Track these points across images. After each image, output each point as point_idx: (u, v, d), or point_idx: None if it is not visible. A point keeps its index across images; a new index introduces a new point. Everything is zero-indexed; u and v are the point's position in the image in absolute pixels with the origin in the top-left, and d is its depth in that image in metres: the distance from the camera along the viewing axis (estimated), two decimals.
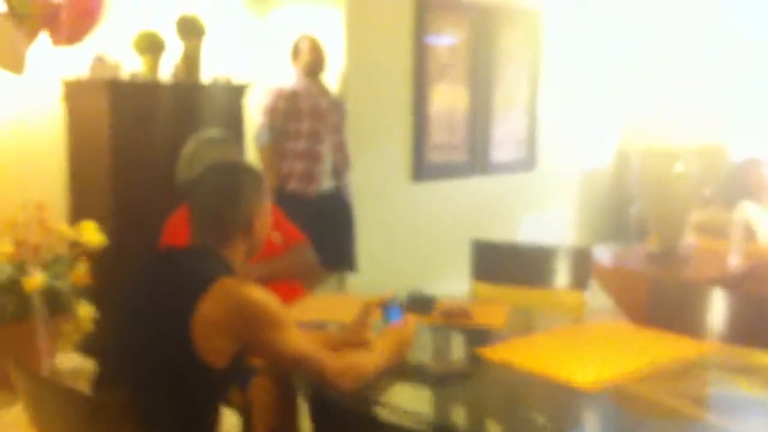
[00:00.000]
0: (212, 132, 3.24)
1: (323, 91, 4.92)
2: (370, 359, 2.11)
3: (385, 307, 2.31)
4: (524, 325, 2.79)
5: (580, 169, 7.42)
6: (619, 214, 7.65)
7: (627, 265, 4.05)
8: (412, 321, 2.32)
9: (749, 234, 4.51)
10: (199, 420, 1.91)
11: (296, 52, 4.90)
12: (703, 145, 6.40)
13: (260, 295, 1.89)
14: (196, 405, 1.88)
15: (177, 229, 2.86)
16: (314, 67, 4.87)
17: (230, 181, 2.06)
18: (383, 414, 1.98)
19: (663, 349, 2.37)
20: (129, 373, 1.88)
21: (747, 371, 2.35)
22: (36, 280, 3.45)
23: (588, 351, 2.38)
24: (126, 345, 1.93)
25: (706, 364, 2.36)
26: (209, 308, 1.81)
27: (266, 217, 2.07)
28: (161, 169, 3.89)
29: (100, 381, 1.96)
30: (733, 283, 3.63)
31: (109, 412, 1.69)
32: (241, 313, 1.85)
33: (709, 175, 5.07)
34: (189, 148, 3.14)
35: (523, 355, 2.31)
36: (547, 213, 6.90)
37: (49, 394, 1.81)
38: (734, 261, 3.94)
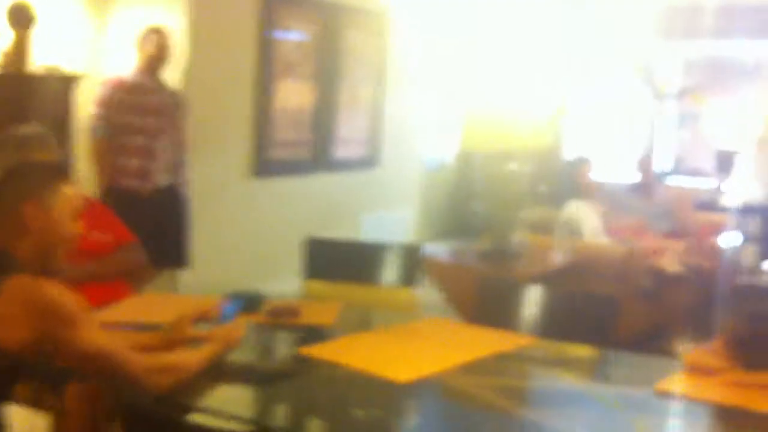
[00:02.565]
0: (16, 130, 3.04)
1: (162, 86, 4.78)
2: (188, 358, 2.07)
3: (222, 304, 2.28)
4: (355, 323, 2.80)
5: (423, 167, 7.56)
6: (460, 212, 7.86)
7: (460, 262, 4.17)
8: (242, 320, 2.29)
9: (575, 231, 4.74)
10: None
11: (142, 44, 4.72)
12: (540, 145, 6.70)
13: (54, 291, 1.84)
14: None
15: None
16: (158, 62, 4.72)
17: (24, 178, 2.00)
18: (201, 418, 1.94)
19: (483, 343, 2.44)
20: None
21: (562, 364, 2.46)
22: None
23: (412, 348, 2.42)
24: None
25: (525, 358, 2.45)
26: (2, 306, 1.78)
27: (59, 215, 1.98)
28: None
29: None
30: (556, 279, 3.81)
31: None
32: (31, 309, 1.80)
33: (544, 175, 5.30)
34: None
35: (347, 353, 2.32)
36: (390, 211, 6.99)
37: None
38: (558, 257, 4.13)
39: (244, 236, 5.58)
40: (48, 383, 2.55)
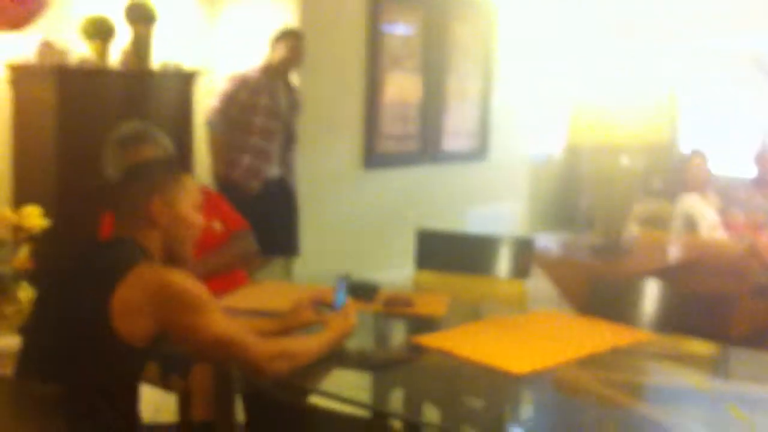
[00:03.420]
0: (127, 127, 3.13)
1: (287, 89, 4.86)
2: (307, 344, 2.13)
3: (335, 287, 2.33)
4: (465, 314, 2.82)
5: (530, 160, 7.50)
6: (567, 205, 7.76)
7: (571, 255, 4.12)
8: (355, 308, 2.34)
9: (691, 226, 4.62)
10: (119, 400, 1.95)
11: (275, 45, 4.77)
12: (652, 139, 6.54)
13: (178, 278, 1.92)
14: (113, 385, 1.92)
15: (109, 226, 2.84)
16: (289, 64, 4.79)
17: (149, 174, 2.09)
18: (319, 402, 2.00)
19: (599, 337, 2.41)
20: (50, 357, 1.92)
21: (680, 360, 2.41)
22: None
23: (526, 339, 2.42)
24: (47, 332, 1.95)
25: (642, 353, 2.41)
26: (127, 292, 1.85)
27: (182, 207, 2.07)
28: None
29: (24, 367, 1.97)
30: (671, 275, 3.72)
31: (32, 398, 1.71)
32: (159, 296, 1.88)
33: (657, 169, 5.18)
34: (105, 148, 3.05)
35: (460, 343, 2.34)
36: (498, 203, 6.96)
37: None
38: (673, 253, 4.03)
39: (354, 227, 5.67)
40: (174, 365, 2.68)
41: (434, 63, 6.30)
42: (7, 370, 3.28)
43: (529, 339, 2.42)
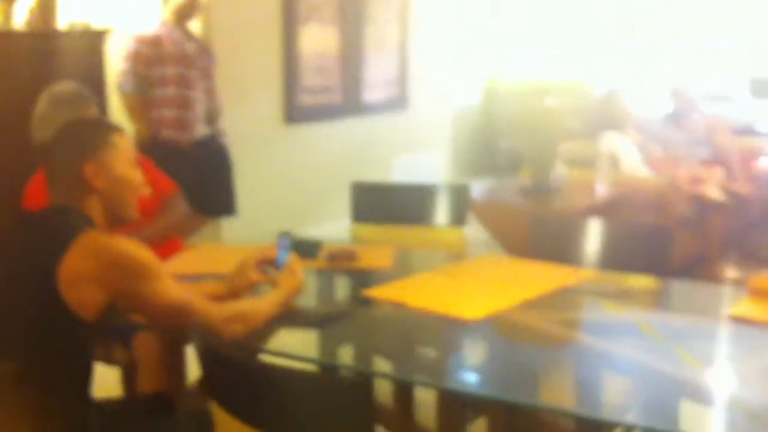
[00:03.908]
0: (64, 87, 3.02)
1: (189, 37, 4.74)
2: (260, 305, 2.10)
3: (278, 246, 2.29)
4: (410, 265, 2.82)
5: (450, 107, 7.51)
6: (489, 150, 7.81)
7: (502, 199, 4.16)
8: (300, 265, 2.30)
9: (614, 163, 4.71)
10: (73, 375, 1.89)
11: None
12: (567, 80, 6.62)
13: (128, 245, 1.86)
14: (68, 360, 1.86)
15: (37, 193, 2.72)
16: (185, 12, 4.66)
17: (78, 137, 2.00)
18: (275, 360, 1.97)
19: (546, 279, 2.44)
20: (3, 332, 1.84)
21: (625, 296, 2.46)
22: None
23: (473, 286, 2.44)
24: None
25: (588, 291, 2.46)
26: (75, 262, 1.79)
27: (118, 167, 1.98)
28: (19, 124, 3.69)
29: None
30: (601, 213, 3.79)
31: None
32: (109, 265, 1.82)
33: (575, 109, 5.24)
34: (40, 107, 2.95)
35: (410, 293, 2.34)
36: (421, 152, 6.97)
37: None
38: (600, 191, 4.11)
39: (281, 183, 5.59)
40: (115, 336, 2.60)
41: (351, 12, 6.20)
42: None
43: (478, 285, 2.44)
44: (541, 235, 2.90)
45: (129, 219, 2.02)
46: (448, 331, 2.17)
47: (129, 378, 2.66)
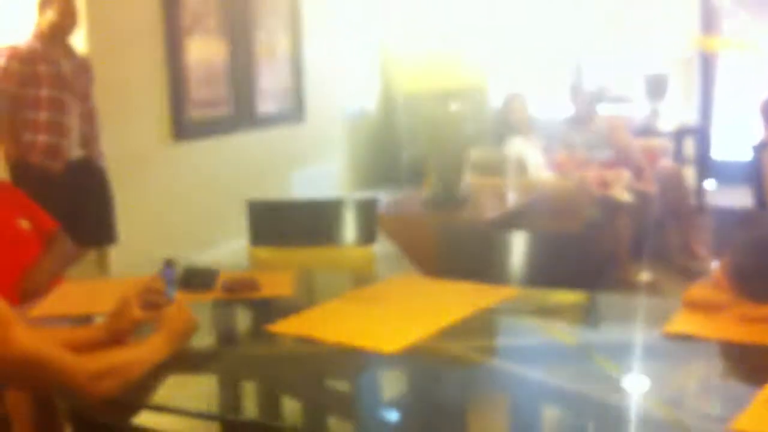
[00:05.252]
0: None
1: (67, 53, 4.36)
2: (137, 353, 1.80)
3: (163, 277, 2.00)
4: (315, 290, 2.57)
5: (345, 116, 7.29)
6: (386, 159, 7.63)
7: (408, 212, 3.96)
8: (188, 299, 2.02)
9: (520, 168, 4.59)
10: None
11: (42, 9, 4.24)
12: (468, 84, 6.51)
13: None
14: None
15: None
16: (62, 29, 4.28)
17: None
18: (160, 419, 1.69)
19: (463, 300, 2.23)
20: None
21: (550, 313, 2.28)
22: None
23: (387, 313, 2.20)
24: None
25: (510, 311, 2.26)
26: None
27: None
28: None
29: None
30: (512, 221, 3.64)
31: None
32: None
33: (475, 115, 5.11)
34: None
35: (320, 325, 2.10)
36: (319, 164, 6.72)
37: None
38: (511, 197, 3.96)
39: (170, 205, 5.24)
40: None
41: (238, 20, 5.92)
42: None
43: (392, 312, 2.20)
44: (451, 247, 2.70)
45: None
46: (362, 366, 1.93)
47: None
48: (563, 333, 2.13)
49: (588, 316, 2.33)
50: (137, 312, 1.96)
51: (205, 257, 2.58)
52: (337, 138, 7.10)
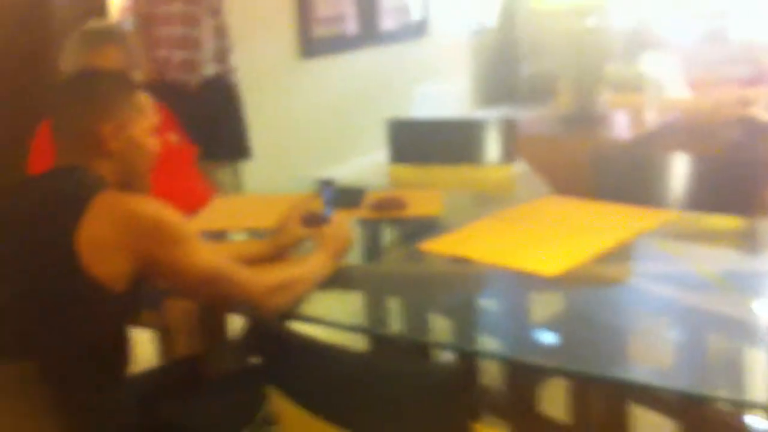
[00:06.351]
0: (94, 24, 2.72)
1: None
2: (306, 269, 1.85)
3: (321, 196, 2.03)
4: (461, 210, 2.55)
5: (468, 32, 7.13)
6: (506, 76, 7.47)
7: (541, 130, 3.87)
8: (345, 217, 2.04)
9: (658, 86, 4.41)
10: (108, 350, 1.63)
11: None
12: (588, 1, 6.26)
13: (151, 207, 1.59)
14: (99, 335, 1.60)
15: (44, 154, 2.44)
16: None
17: (96, 92, 1.70)
18: (322, 332, 1.73)
19: (620, 223, 2.18)
20: (15, 328, 1.57)
21: (710, 238, 2.20)
22: None
23: (544, 234, 2.16)
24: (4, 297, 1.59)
25: (669, 235, 2.19)
26: (94, 228, 1.52)
27: (137, 131, 1.71)
28: (19, 65, 3.45)
29: None
30: (653, 141, 3.51)
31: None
32: (131, 229, 1.55)
33: (613, 29, 4.91)
34: (69, 43, 2.64)
35: (471, 245, 2.08)
36: (441, 81, 6.63)
37: None
38: (649, 116, 3.82)
39: (300, 121, 5.28)
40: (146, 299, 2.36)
41: None
42: None
43: (547, 233, 2.17)
44: (602, 170, 2.62)
45: (140, 190, 1.73)
46: (517, 285, 1.91)
47: (164, 343, 2.44)
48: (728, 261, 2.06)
49: (750, 241, 2.24)
50: (299, 229, 2.00)
51: (336, 172, 2.58)
52: (460, 54, 6.97)
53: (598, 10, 4.01)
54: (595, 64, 3.74)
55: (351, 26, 5.79)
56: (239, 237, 2.36)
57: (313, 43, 5.43)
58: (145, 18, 4.23)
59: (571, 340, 1.69)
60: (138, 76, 2.53)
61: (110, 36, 2.54)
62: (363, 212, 2.37)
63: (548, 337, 1.78)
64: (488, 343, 1.78)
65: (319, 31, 5.50)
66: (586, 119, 3.73)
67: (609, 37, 4.25)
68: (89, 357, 1.57)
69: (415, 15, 6.42)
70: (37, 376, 1.50)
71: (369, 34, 5.92)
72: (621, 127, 3.75)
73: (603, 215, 2.28)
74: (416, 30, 6.41)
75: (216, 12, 4.41)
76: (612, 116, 3.83)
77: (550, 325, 1.80)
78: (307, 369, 1.45)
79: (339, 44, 5.66)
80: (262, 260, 1.95)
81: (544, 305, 1.94)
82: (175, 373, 2.13)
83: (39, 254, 1.55)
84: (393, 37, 6.15)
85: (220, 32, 4.44)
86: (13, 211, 1.64)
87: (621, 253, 2.03)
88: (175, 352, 2.37)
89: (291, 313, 1.78)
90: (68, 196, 1.58)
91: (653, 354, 1.64)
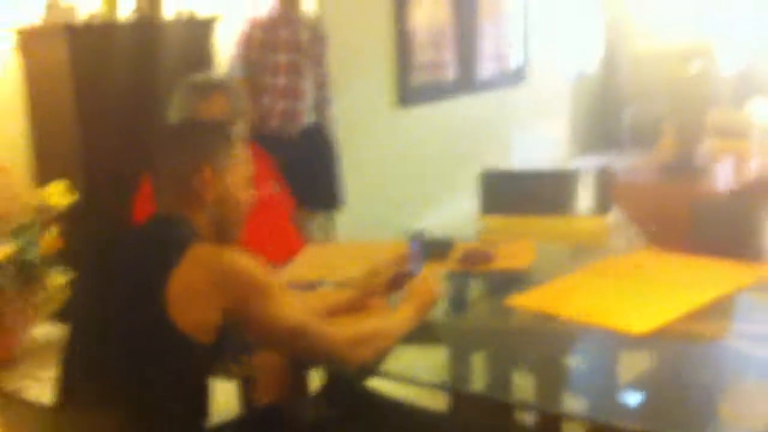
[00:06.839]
0: (201, 75, 2.83)
1: (303, 21, 4.51)
2: (389, 323, 1.84)
3: (410, 249, 2.03)
4: (551, 262, 2.50)
5: (568, 78, 7.07)
6: (607, 122, 7.35)
7: (639, 179, 3.77)
8: (434, 272, 2.03)
9: (765, 133, 4.25)
10: (190, 399, 1.68)
11: None
12: (698, 45, 6.10)
13: (241, 261, 1.63)
14: (183, 384, 1.65)
15: (148, 203, 2.54)
16: None
17: (196, 140, 1.77)
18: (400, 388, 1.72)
19: (716, 278, 2.09)
20: (103, 368, 1.63)
21: None
22: (4, 251, 3.12)
23: (634, 288, 2.09)
24: (97, 340, 1.66)
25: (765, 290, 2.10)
26: (185, 278, 1.57)
27: (233, 180, 1.76)
28: (129, 115, 3.61)
29: (69, 390, 1.69)
30: (759, 191, 3.37)
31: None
32: (223, 282, 1.60)
33: (719, 74, 4.77)
34: (177, 94, 2.74)
35: (560, 300, 2.04)
36: (539, 127, 6.57)
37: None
38: (755, 164, 3.67)
39: (395, 170, 5.32)
40: (232, 351, 2.40)
41: None
42: (44, 361, 3.02)
43: (638, 288, 2.10)
44: (701, 222, 2.53)
45: (232, 240, 1.77)
46: (612, 346, 1.86)
47: (249, 394, 2.46)
48: None
49: None
50: (385, 287, 2.01)
51: (427, 222, 2.57)
52: (559, 100, 6.91)
53: (705, 54, 3.90)
54: (699, 110, 3.62)
55: (450, 73, 5.82)
56: (329, 286, 2.38)
57: (411, 90, 5.48)
58: (254, 65, 4.37)
59: (660, 401, 1.63)
60: (242, 125, 2.60)
61: (218, 85, 2.62)
62: (450, 265, 2.35)
63: (635, 398, 1.72)
64: (573, 403, 1.73)
65: (419, 78, 5.55)
66: (687, 168, 3.61)
67: (715, 82, 4.12)
68: (170, 407, 1.61)
69: (514, 61, 6.41)
70: (115, 427, 1.54)
71: (467, 80, 5.94)
72: (724, 176, 3.62)
73: (700, 269, 2.19)
74: (514, 76, 6.40)
75: (319, 63, 4.52)
76: (714, 165, 3.71)
77: (639, 385, 1.74)
78: (384, 428, 1.45)
79: (437, 91, 5.70)
80: (349, 309, 1.96)
81: (633, 364, 1.88)
82: (255, 425, 2.16)
83: (134, 304, 1.60)
84: (491, 83, 6.16)
85: (322, 83, 4.54)
86: (117, 260, 1.71)
87: (718, 310, 1.95)
88: (257, 402, 2.39)
89: (371, 369, 1.78)
90: (163, 246, 1.64)
91: (748, 418, 1.56)
